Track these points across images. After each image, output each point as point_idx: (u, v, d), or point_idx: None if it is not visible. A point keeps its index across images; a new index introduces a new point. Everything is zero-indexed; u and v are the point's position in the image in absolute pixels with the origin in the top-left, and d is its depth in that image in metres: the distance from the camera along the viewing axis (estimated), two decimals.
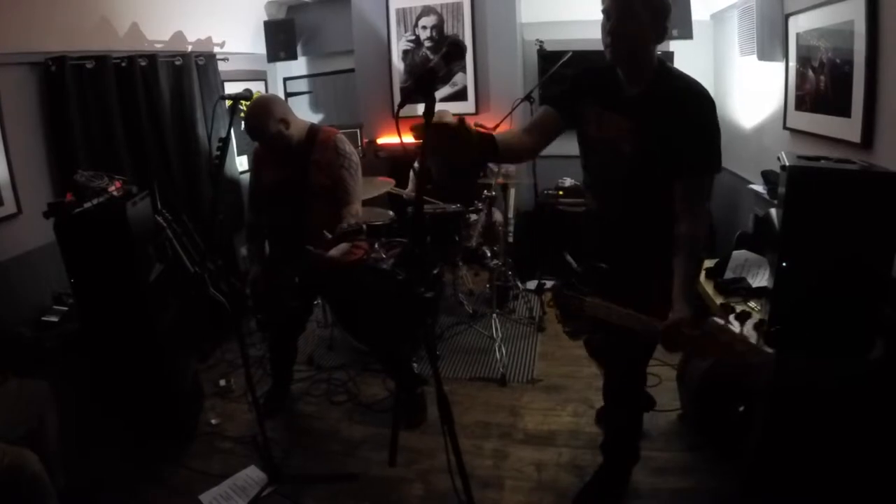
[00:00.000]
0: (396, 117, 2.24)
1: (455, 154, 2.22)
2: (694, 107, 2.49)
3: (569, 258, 2.95)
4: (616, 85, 2.60)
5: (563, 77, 2.83)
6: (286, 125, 3.65)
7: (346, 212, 3.65)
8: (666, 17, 2.45)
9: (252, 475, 3.65)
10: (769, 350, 1.93)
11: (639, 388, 3.20)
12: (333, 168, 3.73)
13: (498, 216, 5.77)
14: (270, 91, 7.80)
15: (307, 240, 3.29)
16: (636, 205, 2.67)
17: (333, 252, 3.47)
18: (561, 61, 4.16)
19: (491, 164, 5.68)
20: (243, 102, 3.40)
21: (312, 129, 3.83)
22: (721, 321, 2.08)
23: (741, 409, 3.43)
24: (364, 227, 3.40)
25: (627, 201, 2.69)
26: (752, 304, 3.29)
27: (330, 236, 3.26)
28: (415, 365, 4.67)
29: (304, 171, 3.71)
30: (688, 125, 2.46)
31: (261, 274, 3.95)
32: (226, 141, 3.22)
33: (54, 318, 4.08)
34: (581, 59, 3.01)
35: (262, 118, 3.58)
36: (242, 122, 3.69)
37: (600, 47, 2.54)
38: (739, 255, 3.77)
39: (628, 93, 2.59)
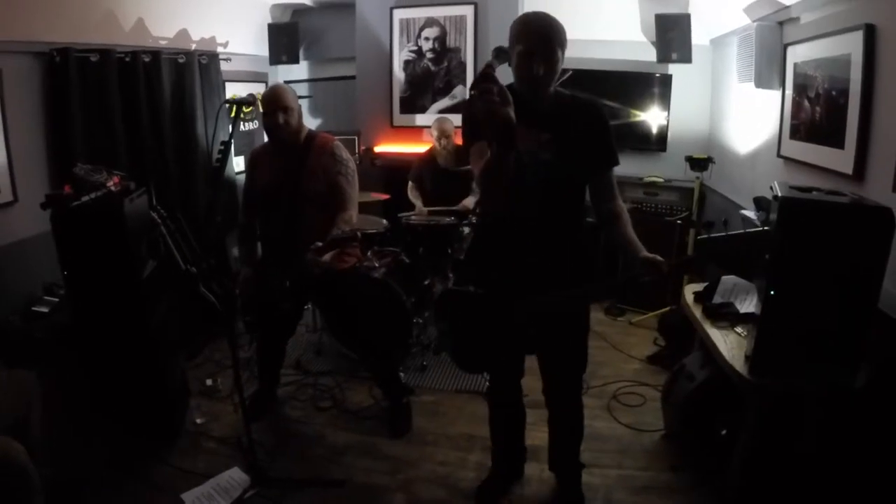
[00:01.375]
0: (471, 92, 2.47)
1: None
2: (596, 114, 2.95)
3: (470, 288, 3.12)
4: (522, 103, 2.66)
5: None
6: (298, 115, 3.80)
7: (341, 218, 3.67)
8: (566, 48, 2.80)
9: (235, 476, 3.65)
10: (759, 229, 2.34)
11: (579, 392, 3.40)
12: (330, 174, 3.76)
13: None
14: None
15: (299, 244, 3.31)
16: (552, 205, 2.90)
17: (326, 258, 3.49)
18: (561, 79, 4.19)
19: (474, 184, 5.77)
20: (245, 108, 3.43)
21: (310, 135, 3.87)
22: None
23: (724, 431, 3.46)
24: (358, 234, 3.43)
25: (545, 203, 2.87)
26: (738, 329, 3.32)
27: (320, 244, 3.28)
28: (401, 374, 4.69)
29: (299, 176, 3.74)
30: (595, 131, 2.91)
31: (251, 276, 3.97)
32: (227, 145, 3.25)
33: (44, 309, 4.07)
34: (580, 77, 3.09)
35: (277, 93, 3.74)
36: (242, 123, 3.73)
37: (600, 66, 2.96)
38: (728, 280, 3.79)
39: (538, 108, 2.84)
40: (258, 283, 3.89)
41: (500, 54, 2.69)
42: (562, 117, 2.86)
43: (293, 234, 3.64)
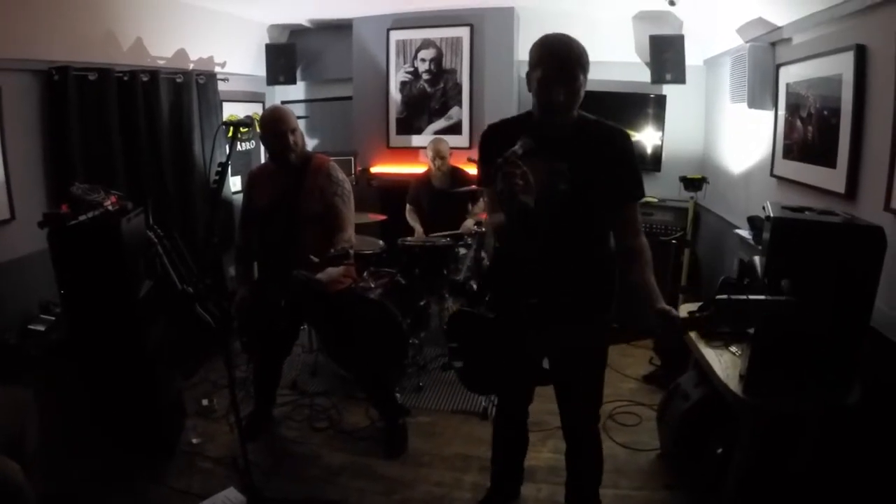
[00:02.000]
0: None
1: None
2: (620, 143, 2.77)
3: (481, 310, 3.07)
4: (538, 130, 2.68)
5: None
6: (301, 134, 3.84)
7: (339, 238, 3.68)
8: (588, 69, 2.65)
9: (231, 497, 3.63)
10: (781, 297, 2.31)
11: (598, 430, 3.26)
12: (326, 195, 3.78)
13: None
14: None
15: (296, 264, 3.33)
16: (569, 238, 2.77)
17: (322, 276, 3.50)
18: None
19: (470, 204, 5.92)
20: (242, 129, 3.45)
21: (306, 156, 3.89)
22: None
23: (719, 450, 3.47)
24: (351, 251, 3.44)
25: (564, 238, 2.77)
26: (733, 348, 3.33)
27: (317, 260, 3.29)
28: (398, 395, 4.69)
29: (295, 196, 3.76)
30: (616, 161, 2.73)
31: (248, 296, 3.97)
32: (225, 166, 3.26)
33: (40, 327, 4.07)
34: None
35: (285, 114, 3.77)
36: (239, 143, 3.74)
37: (594, 87, 2.81)
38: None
39: (556, 135, 2.71)
40: (255, 302, 3.90)
41: (526, 142, 2.53)
42: (581, 145, 2.71)
43: (290, 253, 3.65)
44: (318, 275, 3.46)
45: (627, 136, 2.83)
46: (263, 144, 3.90)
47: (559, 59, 2.59)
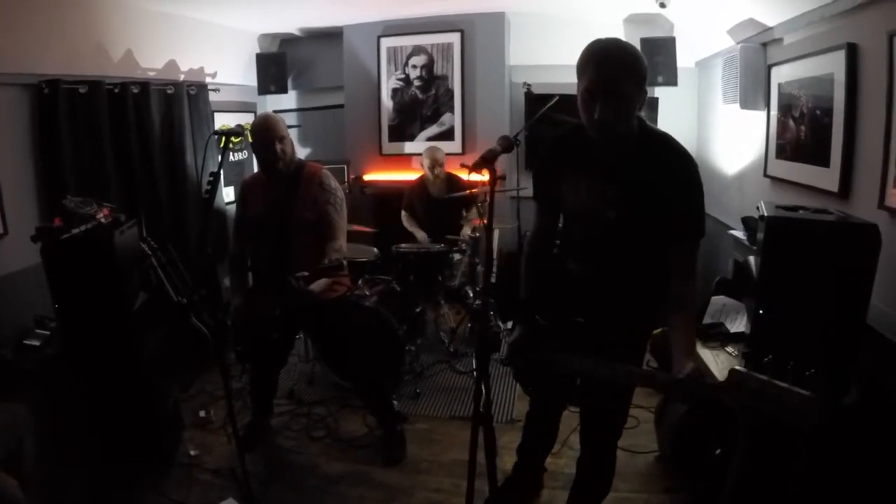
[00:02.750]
0: (470, 169, 2.44)
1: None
2: (680, 169, 2.47)
3: (538, 318, 2.79)
4: (589, 148, 2.55)
5: (542, 140, 2.91)
6: (291, 143, 3.79)
7: (331, 247, 3.67)
8: (646, 81, 2.43)
9: None
10: (807, 393, 1.89)
11: (614, 455, 3.17)
12: (319, 203, 3.77)
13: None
14: None
15: (290, 273, 3.31)
16: (615, 267, 2.66)
17: (314, 287, 3.49)
18: (548, 105, 4.23)
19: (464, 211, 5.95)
20: (234, 139, 3.45)
21: (299, 164, 3.88)
22: (744, 369, 2.03)
23: (718, 452, 3.46)
24: (344, 262, 3.43)
25: (611, 263, 2.67)
26: (729, 348, 3.33)
27: (307, 273, 3.28)
28: (395, 402, 4.68)
29: (288, 205, 3.75)
30: (676, 189, 2.45)
31: (242, 305, 3.96)
32: (217, 176, 3.25)
33: (36, 342, 4.05)
34: (568, 103, 3.08)
35: (273, 123, 3.72)
36: (232, 154, 3.73)
37: None
38: (718, 300, 3.81)
39: (607, 156, 2.54)
40: (249, 312, 3.88)
41: (506, 145, 2.50)
42: (637, 169, 2.48)
43: (283, 263, 3.63)
44: (310, 286, 3.44)
45: (693, 164, 2.50)
46: (254, 153, 3.88)
47: (604, 69, 2.33)
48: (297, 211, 3.74)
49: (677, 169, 2.46)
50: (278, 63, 7.55)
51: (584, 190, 2.60)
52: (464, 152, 6.94)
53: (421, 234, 6.14)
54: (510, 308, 2.97)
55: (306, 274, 3.27)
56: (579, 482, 3.26)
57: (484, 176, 2.45)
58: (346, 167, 7.26)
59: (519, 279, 3.01)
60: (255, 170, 3.91)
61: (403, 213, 6.34)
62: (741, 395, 1.99)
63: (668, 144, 2.52)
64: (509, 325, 2.87)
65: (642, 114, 2.53)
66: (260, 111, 7.84)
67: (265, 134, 3.70)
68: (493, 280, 6.09)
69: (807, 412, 1.90)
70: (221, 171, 3.32)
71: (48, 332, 4.13)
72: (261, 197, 3.85)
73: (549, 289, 2.89)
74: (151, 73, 5.78)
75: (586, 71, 2.36)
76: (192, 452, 4.24)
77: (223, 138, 3.40)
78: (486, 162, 2.42)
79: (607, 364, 2.35)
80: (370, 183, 7.45)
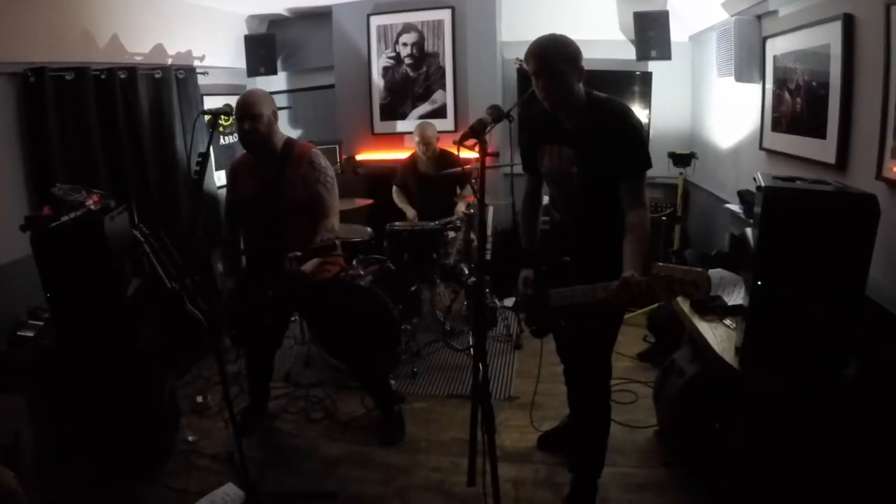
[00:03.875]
0: (459, 145, 2.67)
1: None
2: (616, 123, 2.93)
3: (537, 258, 3.28)
4: (555, 122, 3.07)
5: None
6: (274, 116, 3.73)
7: (322, 226, 3.64)
8: (580, 62, 2.91)
9: (229, 493, 3.61)
10: (700, 269, 2.40)
11: (603, 392, 3.41)
12: (309, 183, 3.72)
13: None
14: None
15: (283, 254, 3.28)
16: (590, 213, 3.12)
17: (306, 267, 3.45)
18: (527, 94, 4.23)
19: (458, 188, 5.92)
20: (223, 118, 3.40)
21: (288, 143, 3.82)
22: (661, 263, 2.47)
23: (717, 425, 3.45)
24: (336, 242, 3.41)
25: (583, 211, 3.15)
26: (727, 321, 3.31)
27: (299, 254, 3.25)
28: (392, 382, 4.67)
29: (278, 186, 3.71)
30: (619, 143, 2.91)
31: (235, 288, 3.93)
32: (205, 156, 3.21)
33: (30, 333, 4.02)
34: None
35: (249, 100, 3.64)
36: (222, 137, 3.67)
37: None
38: (715, 273, 3.79)
39: (566, 127, 3.05)
40: (242, 295, 3.85)
41: (497, 113, 2.78)
42: (587, 133, 2.97)
43: (275, 244, 3.60)
44: (302, 266, 3.41)
45: (627, 116, 2.97)
46: None
47: (536, 56, 2.88)
48: (287, 191, 3.70)
49: (613, 124, 2.93)
50: (267, 44, 7.50)
51: (554, 156, 3.14)
52: (456, 130, 6.89)
53: (411, 212, 6.12)
54: (514, 260, 3.40)
55: (298, 254, 3.24)
56: (573, 418, 3.69)
57: (474, 152, 2.66)
58: (337, 147, 7.23)
59: (518, 234, 3.58)
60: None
61: (395, 189, 6.31)
62: (660, 283, 2.48)
63: (605, 107, 3.00)
64: (507, 301, 3.26)
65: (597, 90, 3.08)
66: None
67: (237, 110, 3.64)
68: (487, 257, 6.08)
69: (699, 285, 2.42)
70: (211, 152, 3.28)
71: (42, 323, 4.10)
72: (250, 178, 3.80)
73: (540, 240, 3.50)
74: (139, 58, 5.71)
75: (529, 61, 2.91)
76: (190, 438, 4.24)
77: (211, 118, 3.36)
78: (475, 132, 2.62)
79: (576, 287, 2.86)
80: (363, 163, 7.41)
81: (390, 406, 4.32)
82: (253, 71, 7.50)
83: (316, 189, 3.72)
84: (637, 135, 2.96)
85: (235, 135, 6.96)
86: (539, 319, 3.30)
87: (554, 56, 2.84)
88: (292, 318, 4.93)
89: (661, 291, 2.50)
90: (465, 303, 5.85)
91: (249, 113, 3.63)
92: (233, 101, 3.71)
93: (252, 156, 3.83)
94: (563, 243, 3.24)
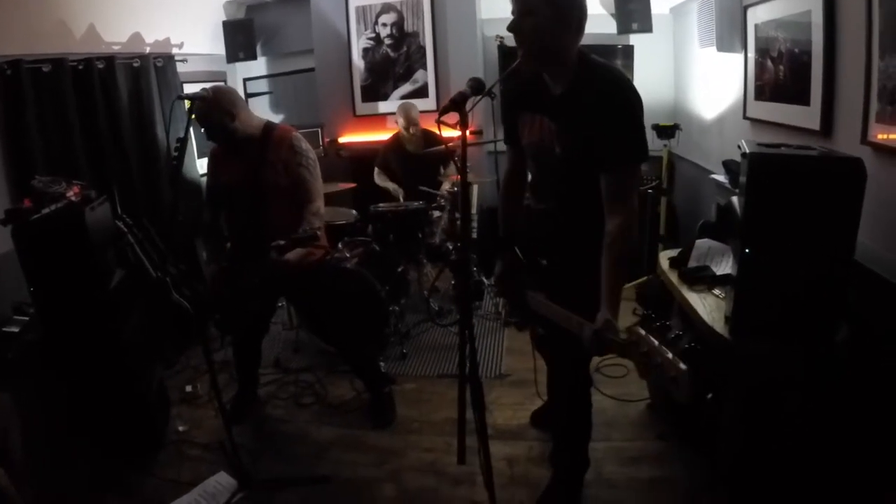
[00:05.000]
0: (438, 121, 2.44)
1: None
2: (611, 99, 2.46)
3: (517, 251, 2.92)
4: (541, 86, 2.63)
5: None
6: (231, 118, 3.62)
7: (308, 210, 3.62)
8: (572, 10, 2.43)
9: (222, 481, 3.58)
10: (684, 367, 1.89)
11: (583, 388, 3.20)
12: (291, 167, 3.69)
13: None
14: None
15: (266, 240, 3.25)
16: (570, 203, 2.74)
17: (290, 256, 3.42)
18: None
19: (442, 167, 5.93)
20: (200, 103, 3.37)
21: (268, 127, 3.78)
22: (643, 332, 2.05)
23: (709, 396, 3.45)
24: (318, 233, 3.37)
25: (562, 199, 2.77)
26: (716, 291, 3.30)
27: (283, 243, 3.22)
28: (382, 364, 4.65)
29: (260, 170, 3.67)
30: (609, 120, 2.44)
31: (218, 273, 3.90)
32: (183, 141, 3.18)
33: (15, 329, 3.96)
34: None
35: (210, 106, 3.56)
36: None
37: None
38: (702, 243, 3.78)
39: (552, 93, 2.60)
40: (227, 281, 3.82)
41: (476, 85, 2.46)
42: (571, 102, 2.54)
43: (258, 229, 3.57)
44: (287, 255, 3.38)
45: (626, 91, 2.51)
46: None
47: (514, 8, 2.45)
48: (269, 176, 3.67)
49: (602, 92, 2.45)
50: (246, 30, 7.43)
51: (536, 127, 2.69)
52: (439, 109, 6.84)
53: (392, 186, 6.11)
54: (493, 247, 3.11)
55: (282, 243, 3.21)
56: (558, 420, 3.44)
57: (456, 130, 2.44)
58: (320, 130, 7.19)
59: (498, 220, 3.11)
60: None
61: (376, 170, 6.28)
62: (635, 354, 2.06)
63: (599, 74, 2.51)
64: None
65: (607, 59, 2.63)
66: (230, 80, 7.76)
67: (201, 120, 3.60)
68: (473, 235, 6.06)
69: (679, 385, 1.93)
70: (193, 140, 3.25)
71: (27, 318, 4.05)
72: (231, 163, 3.76)
73: (519, 228, 3.01)
74: (116, 48, 5.66)
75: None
76: (181, 428, 4.21)
77: (189, 102, 3.32)
78: (455, 105, 2.38)
79: (553, 305, 2.54)
80: (345, 145, 7.38)
81: (380, 388, 4.31)
82: (232, 57, 7.44)
83: (298, 172, 3.68)
84: (630, 113, 2.48)
85: None
86: (519, 313, 3.15)
87: (527, 6, 2.39)
88: (279, 304, 4.90)
89: (633, 359, 2.10)
90: (453, 282, 5.84)
91: (224, 114, 3.59)
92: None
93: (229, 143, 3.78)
94: (540, 238, 2.89)
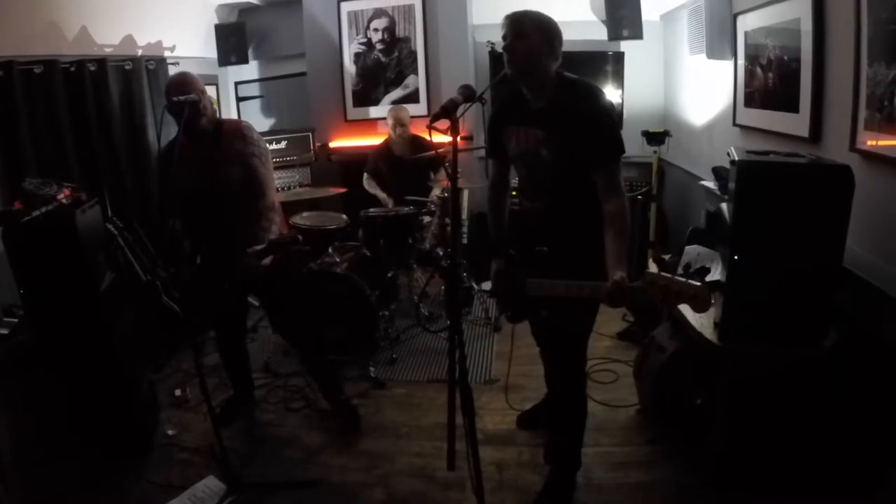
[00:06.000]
0: (430, 127, 2.55)
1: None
2: (591, 110, 2.81)
3: (510, 250, 3.18)
4: (524, 103, 2.98)
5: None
6: (200, 93, 3.56)
7: (262, 205, 3.59)
8: (555, 39, 2.84)
9: (211, 485, 3.57)
10: (699, 283, 2.35)
11: (580, 375, 3.30)
12: (244, 157, 3.62)
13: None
14: (222, 95, 7.77)
15: (236, 240, 3.23)
16: (562, 199, 3.01)
17: (266, 262, 3.40)
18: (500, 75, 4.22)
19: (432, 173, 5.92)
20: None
21: (219, 122, 3.75)
22: (656, 270, 2.49)
23: (699, 401, 3.47)
24: (300, 237, 3.36)
25: (555, 197, 3.03)
26: None
27: (259, 248, 3.22)
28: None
29: (215, 167, 3.59)
30: (589, 127, 2.79)
31: (190, 278, 3.87)
32: (172, 144, 3.17)
33: (4, 331, 3.96)
34: None
35: (188, 79, 3.59)
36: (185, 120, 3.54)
37: None
38: (692, 249, 3.80)
39: (535, 107, 2.94)
40: (197, 285, 3.79)
41: (467, 92, 2.63)
42: (556, 114, 2.86)
43: (220, 227, 3.54)
44: (262, 261, 3.36)
45: (598, 99, 2.91)
46: None
47: (510, 20, 2.82)
48: (224, 170, 3.59)
49: (582, 106, 2.82)
50: (238, 33, 7.44)
51: (521, 138, 3.02)
52: (429, 114, 6.82)
53: (382, 195, 6.10)
54: (487, 249, 3.35)
55: (258, 248, 3.21)
56: (554, 422, 3.61)
57: (447, 136, 2.54)
58: (311, 135, 7.17)
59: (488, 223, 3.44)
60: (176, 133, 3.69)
61: (366, 176, 6.27)
62: (655, 291, 2.43)
63: (578, 88, 2.89)
64: (485, 285, 3.17)
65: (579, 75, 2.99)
66: (221, 83, 7.76)
67: (176, 90, 3.52)
68: (463, 241, 6.07)
69: (700, 299, 2.35)
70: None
71: (17, 320, 4.04)
72: (190, 163, 3.56)
73: (511, 226, 3.40)
74: (108, 50, 5.66)
75: (503, 27, 2.84)
76: (170, 432, 4.19)
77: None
78: (446, 112, 2.51)
79: (560, 282, 2.74)
80: (336, 150, 7.38)
81: (337, 397, 4.30)
82: (224, 60, 7.44)
83: (250, 163, 3.62)
84: (608, 119, 2.86)
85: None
86: (514, 307, 3.28)
87: (525, 20, 2.79)
88: (255, 304, 4.84)
89: (655, 298, 2.45)
90: (443, 287, 5.84)
91: (197, 88, 3.56)
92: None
93: (186, 139, 3.55)
94: (536, 232, 3.10)
